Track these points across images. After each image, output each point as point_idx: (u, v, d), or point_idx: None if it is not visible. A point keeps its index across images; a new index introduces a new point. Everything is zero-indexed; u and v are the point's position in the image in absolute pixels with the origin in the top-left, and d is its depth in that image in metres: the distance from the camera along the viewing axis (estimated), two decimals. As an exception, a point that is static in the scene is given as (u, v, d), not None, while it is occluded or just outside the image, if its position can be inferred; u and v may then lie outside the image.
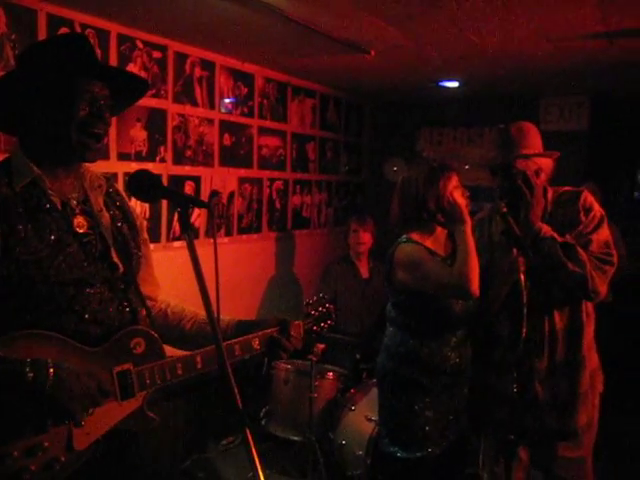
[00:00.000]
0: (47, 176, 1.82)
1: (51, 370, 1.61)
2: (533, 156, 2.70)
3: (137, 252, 2.03)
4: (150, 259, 2.17)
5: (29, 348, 1.67)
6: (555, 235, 2.60)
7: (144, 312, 1.98)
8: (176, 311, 2.19)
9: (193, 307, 2.21)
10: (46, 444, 1.67)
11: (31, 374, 1.59)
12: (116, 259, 1.91)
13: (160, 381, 1.86)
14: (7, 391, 1.60)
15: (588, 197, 2.74)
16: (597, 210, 2.71)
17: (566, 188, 2.83)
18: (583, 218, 2.69)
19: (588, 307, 2.77)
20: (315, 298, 2.36)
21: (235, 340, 2.02)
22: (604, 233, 2.68)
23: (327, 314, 2.34)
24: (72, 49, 1.83)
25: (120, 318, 1.89)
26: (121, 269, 1.92)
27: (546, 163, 2.75)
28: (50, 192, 1.81)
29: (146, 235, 2.16)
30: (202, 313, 2.11)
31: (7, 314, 1.72)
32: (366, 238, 4.93)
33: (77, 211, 1.87)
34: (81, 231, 1.85)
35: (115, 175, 3.61)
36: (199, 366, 1.93)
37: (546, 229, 2.61)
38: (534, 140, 2.76)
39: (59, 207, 1.83)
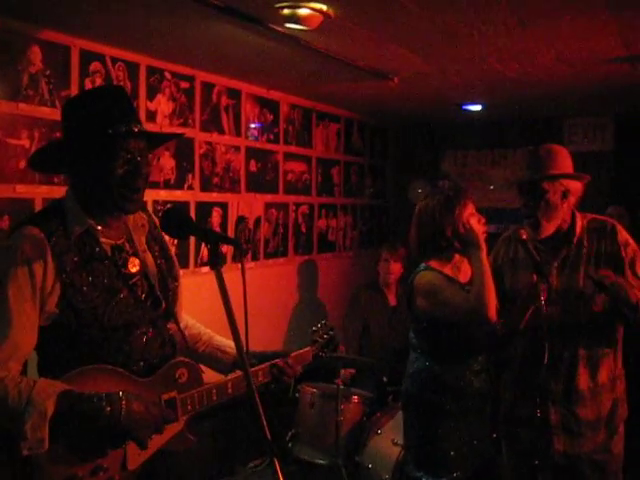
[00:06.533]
0: (98, 223, 1.94)
1: (123, 402, 1.76)
2: (560, 177, 2.72)
3: (174, 284, 2.14)
4: (181, 284, 2.28)
5: (92, 382, 1.82)
6: None
7: (182, 342, 2.14)
8: (193, 333, 2.32)
9: (219, 332, 2.33)
10: (105, 465, 1.83)
11: (108, 407, 1.74)
12: (160, 298, 2.04)
13: (199, 406, 2.01)
14: (87, 422, 1.75)
15: (622, 231, 2.77)
16: (633, 243, 2.76)
17: (592, 215, 2.85)
18: (624, 254, 2.71)
19: (618, 336, 2.78)
20: (319, 325, 2.47)
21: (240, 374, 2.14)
22: None
23: (331, 340, 2.47)
24: (109, 107, 1.91)
25: (161, 353, 2.03)
26: (163, 306, 2.04)
27: (575, 186, 2.75)
28: (102, 240, 1.94)
29: (177, 265, 2.28)
30: (216, 337, 2.31)
31: (62, 354, 1.87)
32: (396, 268, 4.91)
33: (128, 253, 2.00)
34: (133, 271, 1.98)
35: (144, 203, 3.70)
36: (230, 391, 2.07)
37: None
38: (563, 162, 2.77)
39: (109, 253, 1.94)
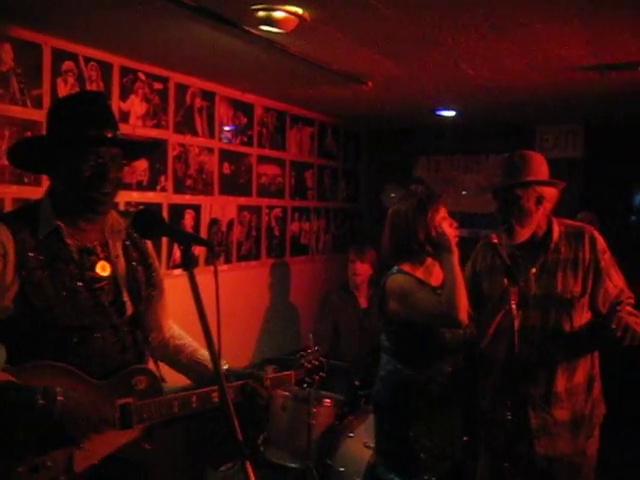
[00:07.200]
0: (68, 225, 1.95)
1: (59, 398, 1.76)
2: (533, 183, 2.75)
3: (150, 292, 2.14)
4: (164, 292, 2.30)
5: (42, 377, 1.81)
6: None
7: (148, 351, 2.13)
8: (177, 344, 2.32)
9: (191, 335, 2.35)
10: (49, 464, 1.81)
11: (42, 401, 1.74)
12: (127, 304, 2.03)
13: (157, 416, 1.99)
14: (19, 415, 1.74)
15: (600, 238, 2.82)
16: (608, 250, 2.81)
17: (569, 221, 2.89)
18: (603, 263, 2.76)
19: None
20: (310, 351, 2.46)
21: (212, 388, 2.11)
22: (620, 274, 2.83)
23: (319, 367, 2.46)
24: (85, 111, 1.93)
25: (121, 359, 2.01)
26: (129, 312, 2.03)
27: (550, 192, 2.78)
28: (68, 242, 1.94)
29: (160, 272, 2.28)
30: (200, 351, 2.30)
31: (19, 348, 1.89)
32: (362, 269, 4.91)
33: (98, 257, 2.00)
34: (102, 275, 1.98)
35: (116, 205, 3.67)
36: (194, 405, 2.06)
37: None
38: (538, 168, 2.79)
39: (76, 257, 1.95)
